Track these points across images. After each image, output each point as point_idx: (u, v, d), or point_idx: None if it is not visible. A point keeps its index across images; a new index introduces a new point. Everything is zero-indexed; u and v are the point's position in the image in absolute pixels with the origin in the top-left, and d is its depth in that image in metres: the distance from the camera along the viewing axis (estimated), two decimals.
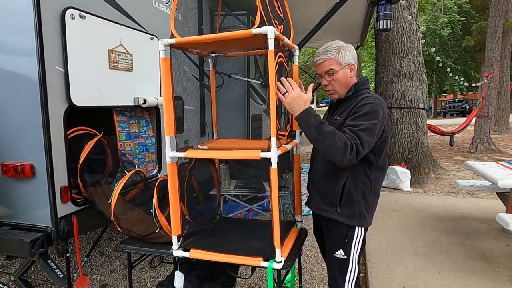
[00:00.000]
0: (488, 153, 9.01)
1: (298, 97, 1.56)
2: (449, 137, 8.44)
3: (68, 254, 2.17)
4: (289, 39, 1.74)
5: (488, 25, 9.94)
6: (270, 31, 1.42)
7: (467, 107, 26.04)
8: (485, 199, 5.04)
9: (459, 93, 25.38)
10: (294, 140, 1.91)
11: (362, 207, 1.70)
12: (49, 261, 2.11)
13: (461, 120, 10.02)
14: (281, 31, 1.71)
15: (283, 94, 1.57)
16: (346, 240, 1.70)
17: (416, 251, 3.24)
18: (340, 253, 1.72)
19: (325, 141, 1.51)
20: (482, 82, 9.44)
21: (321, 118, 1.97)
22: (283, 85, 1.59)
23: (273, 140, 1.49)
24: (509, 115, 13.47)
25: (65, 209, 2.06)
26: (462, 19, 19.20)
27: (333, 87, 1.74)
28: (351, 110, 1.66)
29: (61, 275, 2.11)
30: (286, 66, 1.87)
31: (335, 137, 1.50)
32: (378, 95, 1.73)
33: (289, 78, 1.60)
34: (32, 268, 2.99)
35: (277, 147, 1.51)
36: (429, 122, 6.72)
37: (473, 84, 11.31)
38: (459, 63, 20.81)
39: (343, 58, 1.69)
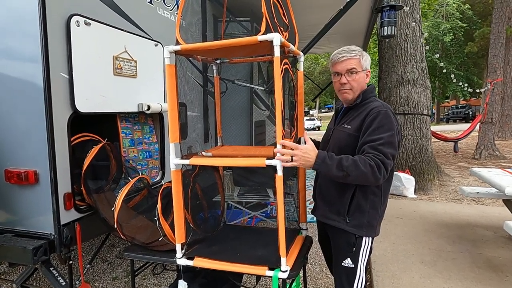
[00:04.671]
0: (493, 159, 8.95)
1: (304, 152, 1.48)
2: (453, 143, 8.40)
3: (70, 262, 2.15)
4: (294, 45, 1.73)
5: (491, 31, 9.94)
6: (276, 38, 1.41)
7: (470, 113, 25.99)
8: (490, 206, 4.98)
9: (462, 99, 25.33)
10: None
11: (371, 217, 1.68)
12: (51, 269, 2.09)
13: (464, 126, 9.98)
14: (286, 38, 1.70)
15: (292, 161, 1.49)
16: (354, 248, 1.68)
17: (422, 259, 3.19)
18: (347, 262, 1.69)
19: (352, 174, 1.48)
20: (486, 88, 9.41)
21: (328, 125, 1.97)
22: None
23: (279, 147, 1.48)
24: None
25: (68, 216, 2.05)
26: (465, 25, 19.21)
27: (351, 86, 1.72)
28: (362, 120, 1.64)
29: (63, 283, 2.09)
30: (291, 73, 1.86)
31: (358, 166, 1.47)
32: (385, 103, 1.72)
33: (283, 142, 1.47)
34: (34, 275, 2.97)
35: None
36: (432, 128, 6.69)
37: (477, 90, 11.28)
38: (462, 69, 20.79)
39: (364, 61, 1.71)
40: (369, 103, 1.70)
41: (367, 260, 1.73)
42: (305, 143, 1.57)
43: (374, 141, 1.55)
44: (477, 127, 9.10)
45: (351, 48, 1.72)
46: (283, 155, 1.46)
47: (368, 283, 2.85)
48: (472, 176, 4.86)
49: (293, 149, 1.49)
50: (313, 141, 2.03)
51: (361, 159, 1.50)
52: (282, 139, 1.49)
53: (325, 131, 1.98)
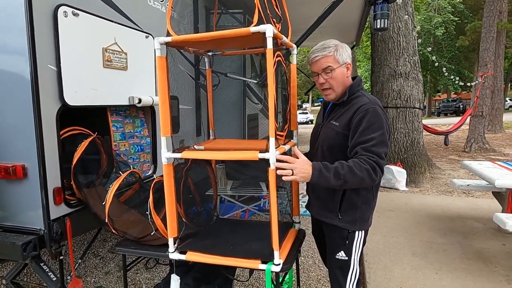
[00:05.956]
0: (483, 152, 9.07)
1: (301, 167, 1.47)
2: (444, 136, 8.48)
3: (61, 257, 2.13)
4: (287, 37, 1.71)
5: (482, 25, 10.00)
6: (269, 30, 1.39)
7: (461, 106, 26.27)
8: (480, 198, 5.06)
9: (453, 92, 25.58)
10: (292, 140, 1.88)
11: (364, 211, 1.69)
12: (41, 264, 2.07)
13: (455, 119, 10.07)
14: (279, 30, 1.68)
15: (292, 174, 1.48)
16: (347, 242, 1.68)
17: (414, 251, 3.23)
18: (341, 255, 1.70)
19: (349, 181, 1.48)
20: (477, 81, 9.50)
21: (317, 119, 1.96)
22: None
23: (272, 140, 1.46)
24: (503, 114, 13.60)
25: (58, 211, 2.01)
26: (456, 19, 19.32)
27: (330, 85, 1.68)
28: (350, 117, 1.61)
29: (54, 278, 2.07)
30: (284, 65, 1.84)
31: (355, 172, 1.47)
32: (373, 96, 1.70)
33: (281, 157, 1.48)
34: (25, 271, 2.93)
35: (275, 148, 1.48)
36: (424, 121, 6.74)
37: (468, 84, 11.39)
38: (453, 63, 20.95)
39: (340, 56, 1.65)
40: (357, 98, 1.66)
41: (361, 252, 1.74)
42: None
43: (367, 142, 1.53)
44: (468, 120, 9.19)
45: (324, 45, 1.67)
46: (283, 169, 1.45)
47: (360, 275, 2.88)
48: (463, 168, 4.93)
49: (290, 162, 1.47)
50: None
51: (356, 164, 1.48)
52: (275, 133, 1.48)
53: (314, 125, 1.96)
